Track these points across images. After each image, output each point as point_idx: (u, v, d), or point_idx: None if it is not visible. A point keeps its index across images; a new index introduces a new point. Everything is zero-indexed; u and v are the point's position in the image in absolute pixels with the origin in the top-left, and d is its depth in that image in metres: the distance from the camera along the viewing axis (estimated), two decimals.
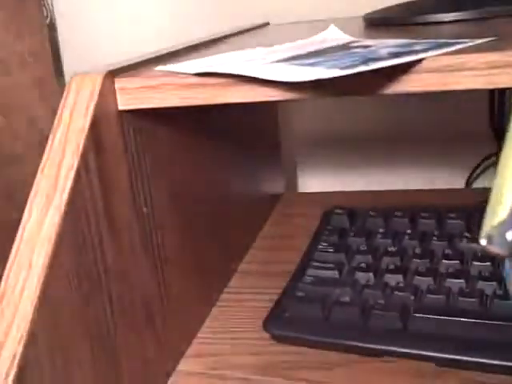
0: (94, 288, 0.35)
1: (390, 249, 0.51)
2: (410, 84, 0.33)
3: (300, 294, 0.47)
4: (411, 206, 0.57)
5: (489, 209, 0.20)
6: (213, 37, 0.56)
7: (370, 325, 0.44)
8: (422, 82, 0.32)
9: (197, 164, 0.49)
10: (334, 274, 0.49)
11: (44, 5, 0.84)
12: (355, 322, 0.44)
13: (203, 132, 0.51)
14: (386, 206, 0.58)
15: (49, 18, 0.86)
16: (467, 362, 0.40)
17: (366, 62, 0.32)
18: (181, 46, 0.48)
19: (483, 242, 0.20)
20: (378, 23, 0.54)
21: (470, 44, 0.34)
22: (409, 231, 0.53)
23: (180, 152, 0.46)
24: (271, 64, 0.35)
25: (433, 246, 0.51)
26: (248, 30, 0.65)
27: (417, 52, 0.33)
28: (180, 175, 0.46)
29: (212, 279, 0.53)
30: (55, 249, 0.32)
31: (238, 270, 0.59)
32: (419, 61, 0.32)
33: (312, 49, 0.40)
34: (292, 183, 0.85)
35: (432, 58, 0.32)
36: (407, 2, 0.57)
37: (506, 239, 0.19)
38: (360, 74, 0.31)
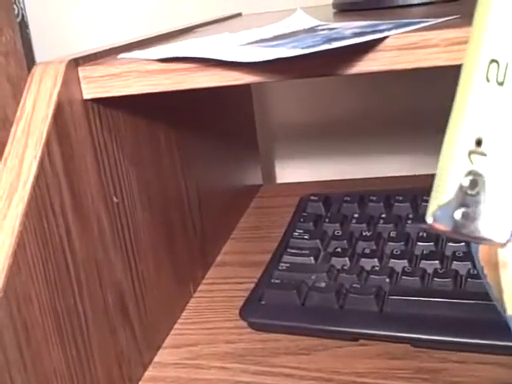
0: (63, 281, 0.35)
1: (364, 233, 0.51)
2: (374, 63, 0.32)
3: (275, 281, 0.47)
4: (386, 190, 0.57)
5: (434, 188, 0.20)
6: (182, 27, 0.55)
7: (346, 309, 0.44)
8: (386, 60, 0.32)
9: (168, 154, 0.49)
10: (310, 260, 0.49)
11: (15, 2, 0.83)
12: (331, 306, 0.44)
13: (175, 122, 0.50)
14: (361, 191, 0.58)
15: (20, 16, 0.85)
16: (442, 342, 0.40)
17: (328, 41, 0.32)
18: (148, 36, 0.48)
19: (429, 220, 0.20)
20: (347, 8, 0.53)
21: (434, 22, 0.34)
22: (383, 215, 0.53)
23: (149, 141, 0.46)
24: (234, 47, 0.34)
25: (407, 229, 0.51)
26: (219, 21, 0.65)
27: (381, 31, 0.33)
28: (151, 165, 0.46)
29: (188, 271, 0.52)
30: (19, 240, 0.31)
31: (215, 261, 0.58)
32: (383, 39, 0.32)
33: (277, 33, 0.39)
34: (270, 175, 0.85)
35: (395, 36, 0.32)
36: None
37: (452, 217, 0.20)
38: (324, 55, 0.31)
